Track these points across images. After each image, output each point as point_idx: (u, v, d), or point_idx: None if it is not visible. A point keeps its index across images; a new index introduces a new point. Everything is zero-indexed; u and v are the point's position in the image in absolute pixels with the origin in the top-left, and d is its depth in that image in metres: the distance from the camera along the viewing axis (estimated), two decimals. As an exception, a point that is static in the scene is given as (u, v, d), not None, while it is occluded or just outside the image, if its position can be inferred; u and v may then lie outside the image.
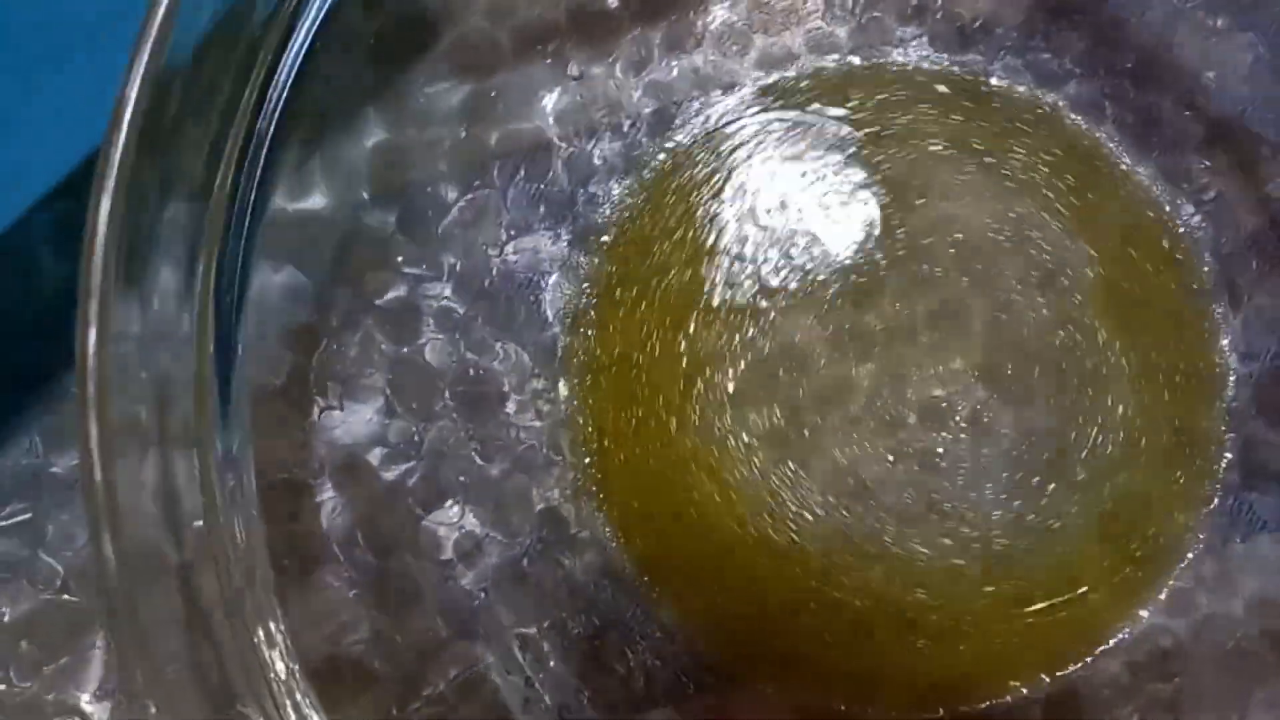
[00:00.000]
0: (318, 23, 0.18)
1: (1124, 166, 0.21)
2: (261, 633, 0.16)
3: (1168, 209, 0.20)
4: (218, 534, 0.15)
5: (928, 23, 0.21)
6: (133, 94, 0.14)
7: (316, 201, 0.20)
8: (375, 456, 0.19)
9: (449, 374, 0.19)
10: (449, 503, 0.19)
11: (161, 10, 0.14)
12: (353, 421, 0.19)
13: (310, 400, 0.19)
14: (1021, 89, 0.21)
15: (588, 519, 0.19)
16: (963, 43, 0.21)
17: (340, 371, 0.19)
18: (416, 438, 0.19)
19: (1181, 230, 0.20)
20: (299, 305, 0.19)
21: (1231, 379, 0.20)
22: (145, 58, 0.15)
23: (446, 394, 0.19)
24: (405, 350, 0.19)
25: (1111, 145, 0.21)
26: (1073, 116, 0.21)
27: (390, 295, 0.20)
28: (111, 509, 0.13)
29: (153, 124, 0.15)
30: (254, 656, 0.15)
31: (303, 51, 0.18)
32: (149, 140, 0.15)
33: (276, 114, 0.18)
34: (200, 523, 0.15)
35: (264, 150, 0.18)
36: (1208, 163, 0.21)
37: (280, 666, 0.16)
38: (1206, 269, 0.20)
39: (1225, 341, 0.20)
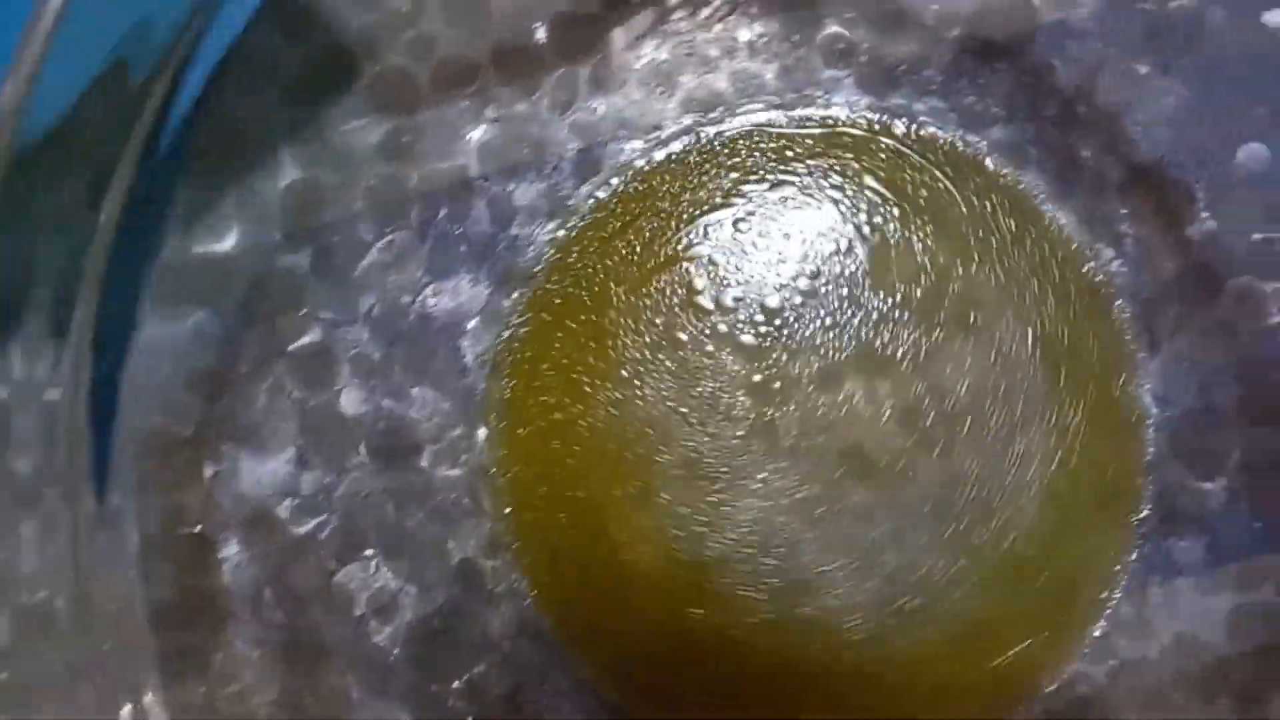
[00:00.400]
0: (221, 53, 0.18)
1: (1046, 210, 0.21)
2: (130, 702, 0.15)
3: (1088, 253, 0.21)
4: (88, 599, 0.15)
5: (854, 65, 0.21)
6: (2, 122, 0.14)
7: (227, 243, 0.19)
8: (285, 509, 0.18)
9: (364, 422, 0.19)
10: (362, 557, 0.18)
11: (32, 50, 0.14)
12: (262, 473, 0.18)
13: (218, 450, 0.18)
14: (946, 132, 0.21)
15: (504, 572, 0.19)
16: (889, 85, 0.21)
17: (249, 420, 0.18)
18: (329, 489, 0.18)
19: (1100, 276, 0.21)
20: (207, 351, 0.19)
21: (1150, 424, 0.20)
22: (19, 79, 0.14)
23: (361, 444, 0.19)
24: (319, 398, 0.19)
25: (1034, 189, 0.21)
26: (996, 160, 0.21)
27: (303, 340, 0.19)
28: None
29: (26, 160, 0.14)
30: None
31: (203, 83, 0.17)
32: (21, 176, 0.14)
33: (170, 154, 0.17)
34: (75, 585, 0.15)
35: (157, 188, 0.17)
36: (1126, 210, 0.21)
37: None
38: (1126, 314, 0.21)
39: (1144, 386, 0.21)
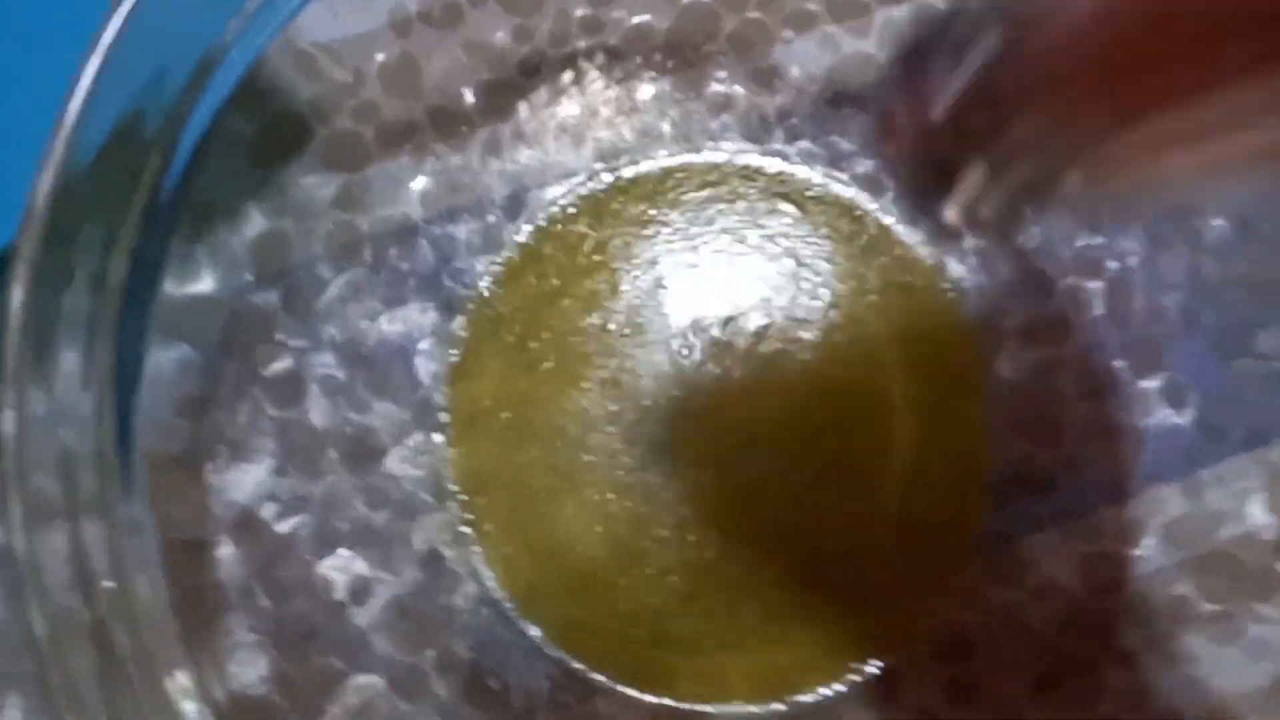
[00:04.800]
0: (203, 131, 0.20)
1: (900, 230, 0.25)
2: (170, 681, 0.17)
3: (938, 264, 0.25)
4: (126, 593, 0.17)
5: (735, 115, 0.25)
6: (40, 199, 0.17)
7: (205, 285, 0.22)
8: (268, 512, 0.21)
9: (333, 433, 0.22)
10: (339, 549, 0.21)
11: (67, 125, 0.17)
12: (246, 481, 0.21)
13: (205, 465, 0.21)
14: (815, 168, 0.25)
15: (464, 555, 0.22)
16: (765, 131, 0.25)
17: (232, 437, 0.21)
18: (306, 493, 0.21)
19: (948, 283, 0.25)
20: (192, 379, 0.21)
21: (996, 399, 0.24)
22: (52, 167, 0.17)
23: (331, 451, 0.22)
24: (292, 414, 0.22)
25: (890, 213, 0.25)
26: (858, 190, 0.25)
27: (276, 366, 0.22)
28: (36, 577, 0.15)
29: (57, 224, 0.17)
30: (166, 703, 0.17)
31: (189, 156, 0.20)
32: (54, 238, 0.17)
33: (166, 211, 0.20)
34: (110, 583, 0.17)
35: (155, 243, 0.20)
36: (969, 226, 0.25)
37: (191, 708, 0.17)
38: (974, 307, 0.25)
39: (992, 372, 0.25)
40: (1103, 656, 0.22)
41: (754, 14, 0.26)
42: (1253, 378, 0.24)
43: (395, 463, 0.22)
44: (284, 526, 0.21)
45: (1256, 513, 0.24)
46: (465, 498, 0.22)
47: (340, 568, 0.21)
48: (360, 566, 0.21)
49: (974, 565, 0.24)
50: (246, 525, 0.21)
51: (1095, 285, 0.25)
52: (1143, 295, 0.25)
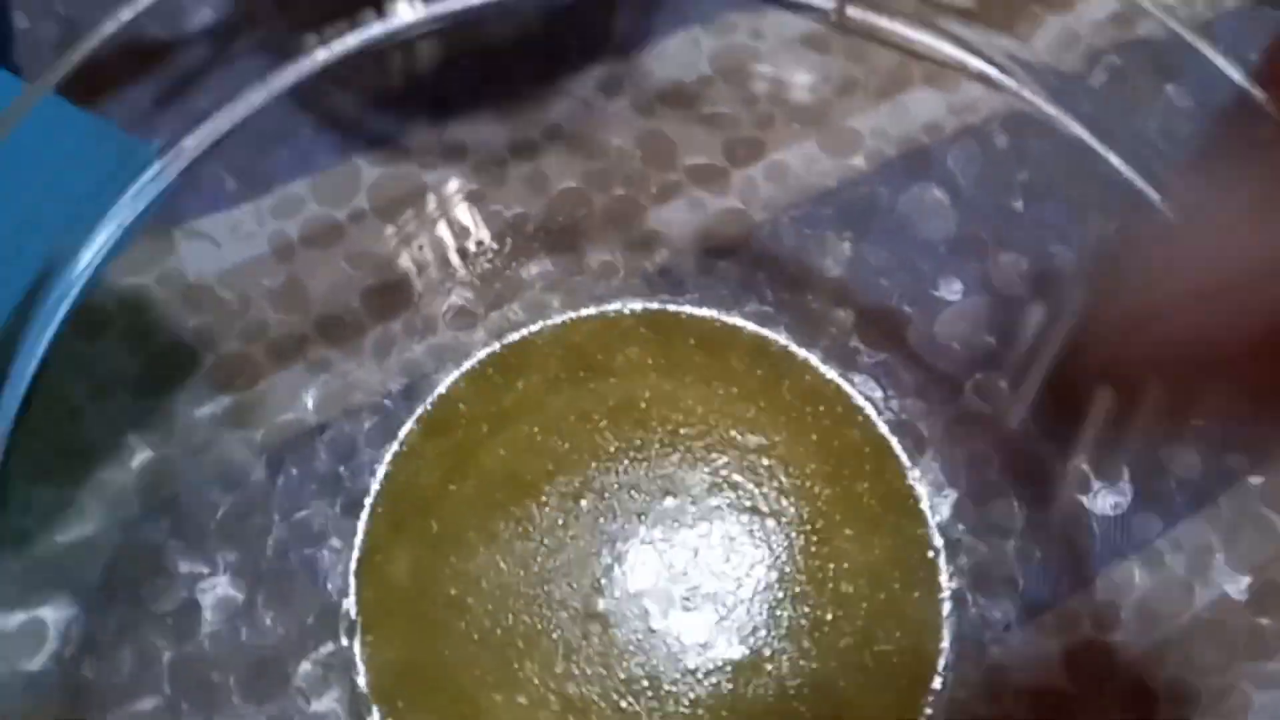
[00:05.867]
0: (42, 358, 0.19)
1: (801, 356, 0.25)
2: None
3: (843, 380, 0.25)
4: None
5: (618, 277, 0.26)
6: None
7: (85, 528, 0.21)
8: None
9: (233, 661, 0.20)
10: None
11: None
12: (134, 732, 0.19)
13: (88, 722, 0.19)
14: (707, 310, 0.26)
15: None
16: (651, 287, 0.26)
17: (120, 684, 0.19)
18: (203, 733, 0.19)
19: (858, 397, 0.25)
20: (73, 632, 0.19)
21: (931, 504, 0.24)
22: None
23: (231, 680, 0.19)
24: (185, 647, 0.20)
25: (788, 341, 0.25)
26: (752, 326, 0.25)
27: (166, 599, 0.20)
28: None
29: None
30: None
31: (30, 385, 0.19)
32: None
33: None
34: None
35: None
36: (860, 343, 0.25)
37: None
38: (886, 420, 0.25)
39: (918, 478, 0.24)
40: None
41: (620, 190, 0.27)
42: (1178, 440, 0.24)
43: (305, 681, 0.20)
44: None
45: (1223, 573, 0.23)
46: (386, 707, 0.20)
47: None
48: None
49: (952, 682, 0.22)
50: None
51: (999, 377, 0.26)
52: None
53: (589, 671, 0.21)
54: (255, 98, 0.23)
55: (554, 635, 0.21)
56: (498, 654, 0.21)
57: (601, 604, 0.22)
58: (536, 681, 0.21)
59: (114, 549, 0.20)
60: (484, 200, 0.26)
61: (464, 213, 0.26)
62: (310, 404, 0.23)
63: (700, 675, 0.21)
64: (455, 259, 0.26)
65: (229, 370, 0.23)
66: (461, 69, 0.27)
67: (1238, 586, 0.23)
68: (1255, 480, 0.24)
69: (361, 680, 0.20)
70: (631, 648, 0.21)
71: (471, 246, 0.26)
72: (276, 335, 0.24)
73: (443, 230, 0.26)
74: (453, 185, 0.26)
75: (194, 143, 0.21)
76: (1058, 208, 0.27)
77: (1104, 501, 0.24)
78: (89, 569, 0.20)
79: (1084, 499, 0.24)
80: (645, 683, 0.21)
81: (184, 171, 0.21)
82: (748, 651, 0.22)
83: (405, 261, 0.26)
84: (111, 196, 0.20)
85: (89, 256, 0.19)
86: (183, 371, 0.23)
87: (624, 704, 0.20)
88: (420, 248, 0.26)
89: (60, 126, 0.18)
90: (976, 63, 0.23)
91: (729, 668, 0.21)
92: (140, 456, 0.22)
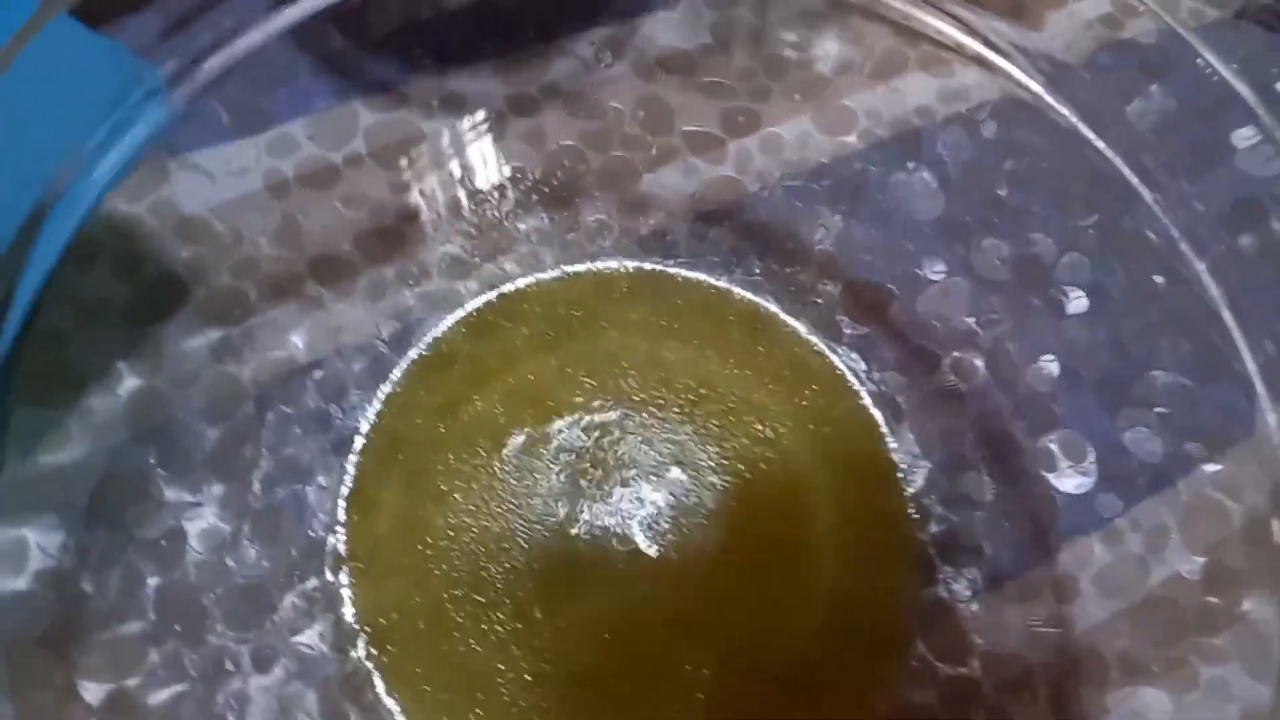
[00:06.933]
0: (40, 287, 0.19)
1: (786, 322, 0.26)
2: None
3: (828, 350, 0.25)
4: None
5: (612, 238, 0.26)
6: None
7: (74, 451, 0.20)
8: (145, 688, 0.19)
9: (217, 591, 0.20)
10: None
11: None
12: (121, 654, 0.19)
13: (72, 643, 0.19)
14: (697, 273, 0.26)
15: (369, 707, 0.20)
16: (644, 248, 0.26)
17: (101, 608, 0.19)
18: (186, 660, 0.19)
19: (840, 366, 0.25)
20: (59, 552, 0.19)
21: (906, 474, 0.24)
22: None
23: (215, 611, 0.20)
24: (171, 576, 0.20)
25: (773, 309, 0.26)
26: (740, 292, 0.26)
27: (152, 525, 0.20)
28: None
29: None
30: None
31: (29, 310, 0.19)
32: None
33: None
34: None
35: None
36: (844, 315, 0.26)
37: None
38: (868, 391, 0.25)
39: (896, 449, 0.25)
40: (1066, 721, 0.21)
41: (617, 152, 0.27)
42: (1140, 424, 0.25)
43: (289, 614, 0.20)
44: (160, 701, 0.18)
45: (1177, 553, 0.24)
46: (371, 641, 0.20)
47: (230, 739, 0.18)
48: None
49: (917, 642, 0.23)
50: (119, 708, 0.18)
51: (976, 357, 0.26)
52: (1021, 361, 0.26)
53: (567, 610, 0.21)
54: (258, 35, 0.23)
55: (534, 576, 0.21)
56: (479, 594, 0.21)
57: (579, 546, 0.22)
58: (518, 622, 0.21)
59: (100, 474, 0.20)
60: (481, 153, 0.27)
61: (460, 163, 0.26)
62: (301, 342, 0.23)
63: (672, 625, 0.22)
64: (450, 208, 0.26)
65: (220, 304, 0.23)
66: (464, 20, 0.27)
67: (1190, 567, 0.24)
68: (1212, 468, 0.25)
69: (348, 614, 0.21)
70: (607, 589, 0.22)
71: (466, 197, 0.26)
72: (269, 272, 0.24)
73: (439, 179, 0.26)
74: (450, 135, 0.26)
75: (198, 75, 0.21)
76: (1041, 197, 0.27)
77: (1069, 481, 0.25)
78: (75, 493, 0.20)
79: (1050, 476, 0.25)
80: (620, 623, 0.21)
81: (187, 103, 0.21)
82: (717, 606, 0.22)
83: (400, 207, 0.26)
84: (117, 123, 0.19)
85: (92, 181, 0.19)
86: (173, 303, 0.23)
87: (600, 643, 0.21)
88: (416, 195, 0.26)
89: (72, 47, 0.18)
90: (975, 45, 0.24)
91: (699, 619, 0.22)
92: (128, 384, 0.21)
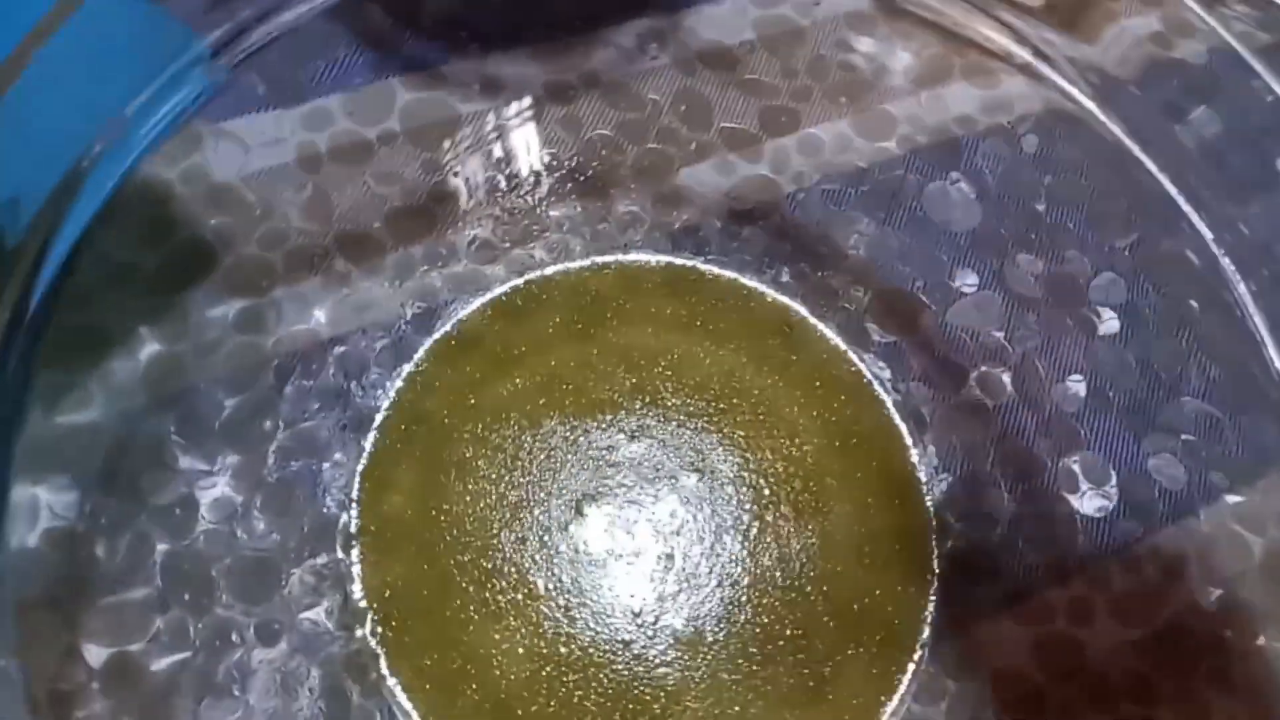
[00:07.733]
0: (68, 252, 0.19)
1: (817, 328, 0.25)
2: None
3: (854, 356, 0.25)
4: None
5: (643, 229, 0.26)
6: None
7: (91, 413, 0.20)
8: (147, 654, 0.18)
9: (225, 562, 0.20)
10: (228, 692, 0.19)
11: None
12: (126, 619, 0.19)
13: (79, 604, 0.18)
14: (728, 271, 0.26)
15: (371, 686, 0.20)
16: (675, 243, 0.26)
17: (110, 572, 0.19)
18: (190, 628, 0.19)
19: (867, 374, 0.25)
20: (70, 513, 0.19)
21: (927, 488, 0.24)
22: None
23: (222, 582, 0.19)
24: (180, 544, 0.20)
25: (803, 312, 0.25)
26: (770, 293, 0.26)
27: (165, 493, 0.20)
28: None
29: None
30: None
31: (61, 271, 0.19)
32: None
33: (31, 332, 0.18)
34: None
35: (17, 370, 0.18)
36: (874, 323, 0.26)
37: None
38: (892, 401, 0.25)
39: (918, 460, 0.24)
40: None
41: (653, 145, 0.27)
42: (1165, 450, 0.25)
43: (295, 590, 0.20)
44: (162, 668, 0.18)
45: (1194, 583, 0.24)
46: (377, 620, 0.20)
47: (230, 715, 0.18)
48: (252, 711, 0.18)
49: (929, 657, 0.23)
50: (121, 672, 0.18)
51: (1004, 372, 0.26)
52: (1048, 379, 0.26)
53: (574, 600, 0.21)
54: (302, 8, 0.23)
55: (545, 565, 0.21)
56: (488, 578, 0.21)
57: (592, 537, 0.22)
58: (525, 607, 0.21)
59: (116, 438, 0.20)
60: (519, 138, 0.26)
61: (496, 147, 0.26)
62: (324, 317, 0.23)
63: (684, 622, 0.22)
64: (483, 192, 0.26)
65: (246, 274, 0.23)
66: (508, 4, 0.27)
67: (1207, 597, 0.24)
68: (1234, 499, 0.25)
69: (356, 592, 0.20)
70: (618, 580, 0.21)
71: (500, 181, 0.26)
72: (296, 245, 0.24)
73: (473, 162, 0.26)
74: (488, 119, 0.26)
75: (240, 45, 0.21)
76: (1078, 214, 0.27)
77: (1090, 503, 0.24)
78: (90, 455, 0.20)
79: (1071, 498, 0.24)
80: (630, 615, 0.21)
81: (229, 73, 0.21)
82: (731, 607, 0.22)
83: (432, 187, 0.25)
84: (160, 89, 0.19)
85: (130, 145, 0.19)
86: (199, 270, 0.23)
87: (606, 631, 0.21)
88: (450, 176, 0.26)
89: (121, 12, 0.18)
90: (1024, 54, 0.23)
91: (712, 618, 0.22)
92: (149, 349, 0.21)
